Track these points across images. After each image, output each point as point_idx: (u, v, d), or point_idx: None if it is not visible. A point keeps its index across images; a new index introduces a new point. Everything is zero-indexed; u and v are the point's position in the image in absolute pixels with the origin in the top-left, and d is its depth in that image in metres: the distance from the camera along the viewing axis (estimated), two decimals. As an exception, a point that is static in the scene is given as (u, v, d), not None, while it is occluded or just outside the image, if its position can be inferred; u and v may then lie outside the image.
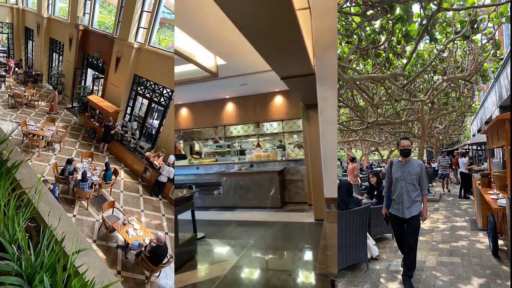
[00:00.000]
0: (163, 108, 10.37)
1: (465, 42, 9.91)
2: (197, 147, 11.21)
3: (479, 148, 21.64)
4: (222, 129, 10.48)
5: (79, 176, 7.55)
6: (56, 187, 7.09)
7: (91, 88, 13.27)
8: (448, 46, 9.30)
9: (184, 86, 7.54)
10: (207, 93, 9.29)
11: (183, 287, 4.17)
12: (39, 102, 12.87)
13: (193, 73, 5.95)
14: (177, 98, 9.73)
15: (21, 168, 3.03)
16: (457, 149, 20.68)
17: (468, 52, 10.24)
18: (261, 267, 4.68)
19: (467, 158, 12.42)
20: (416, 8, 21.65)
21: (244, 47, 4.15)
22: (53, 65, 15.53)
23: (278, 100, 9.54)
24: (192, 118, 10.41)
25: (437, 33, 8.86)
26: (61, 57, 14.91)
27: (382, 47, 8.53)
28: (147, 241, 6.08)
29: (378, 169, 18.86)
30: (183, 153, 10.92)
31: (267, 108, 9.64)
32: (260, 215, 7.77)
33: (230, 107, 9.97)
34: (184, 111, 10.37)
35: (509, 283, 3.98)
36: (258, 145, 9.91)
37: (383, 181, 5.67)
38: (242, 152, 10.37)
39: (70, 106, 13.55)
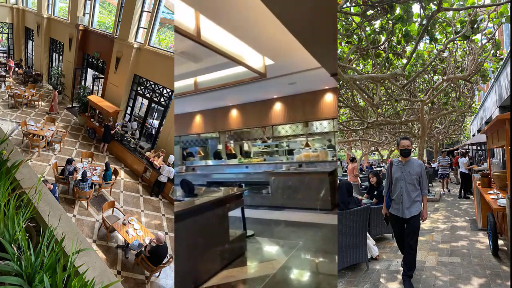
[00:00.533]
0: (163, 108, 10.38)
1: (465, 42, 9.91)
2: (246, 147, 11.27)
3: (479, 148, 21.63)
4: (270, 129, 10.38)
5: (79, 176, 7.55)
6: (56, 187, 7.09)
7: (91, 88, 13.28)
8: (448, 46, 9.30)
9: (234, 88, 7.45)
10: (255, 94, 9.15)
11: (234, 281, 4.20)
12: (39, 102, 12.87)
13: (242, 75, 5.98)
14: (227, 100, 9.69)
15: (21, 168, 3.03)
16: (457, 149, 20.67)
17: (468, 52, 10.25)
18: (311, 270, 4.60)
19: (467, 158, 12.41)
20: (416, 8, 21.65)
21: (292, 45, 4.14)
22: (53, 65, 15.54)
23: (329, 98, 9.02)
24: (241, 119, 10.37)
25: (437, 33, 8.86)
26: (61, 57, 14.92)
27: (382, 47, 8.53)
28: (147, 241, 6.08)
29: (378, 169, 18.86)
30: (234, 152, 11.02)
31: (317, 107, 9.20)
32: (309, 216, 7.47)
33: (278, 106, 9.75)
34: (234, 112, 10.40)
35: (509, 283, 3.98)
36: (307, 145, 9.67)
37: (383, 181, 5.66)
38: (290, 152, 10.22)
39: (70, 106, 13.55)
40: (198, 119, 10.96)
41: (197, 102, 9.46)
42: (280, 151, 10.48)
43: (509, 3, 6.83)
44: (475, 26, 7.62)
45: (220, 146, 11.22)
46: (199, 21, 3.75)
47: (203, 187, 7.82)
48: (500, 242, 5.26)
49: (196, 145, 11.66)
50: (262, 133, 10.48)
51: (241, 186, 9.11)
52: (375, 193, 6.56)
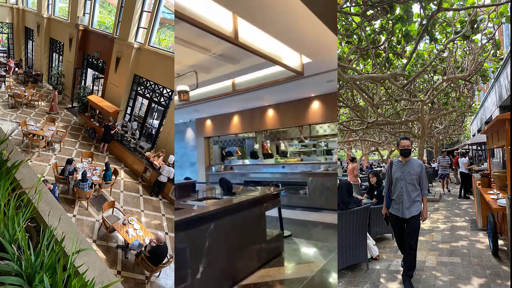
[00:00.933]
0: (163, 108, 10.38)
1: (465, 42, 9.91)
2: (282, 147, 11.16)
3: (479, 148, 21.63)
4: (307, 128, 10.08)
5: (79, 176, 7.55)
6: (56, 187, 7.09)
7: (91, 88, 13.28)
8: (448, 46, 9.30)
9: (271, 88, 7.30)
10: (292, 93, 8.87)
11: (270, 281, 4.16)
12: (39, 102, 12.87)
13: (279, 74, 5.92)
14: (264, 100, 9.57)
15: (21, 168, 3.03)
16: (457, 149, 20.67)
17: (468, 52, 10.25)
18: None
19: (467, 158, 12.40)
20: (416, 8, 21.63)
21: (329, 42, 4.10)
22: (53, 65, 15.55)
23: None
24: (277, 118, 10.18)
25: (437, 33, 8.86)
26: (61, 57, 14.92)
27: (382, 47, 8.52)
28: (147, 241, 6.08)
29: (378, 169, 18.85)
30: (270, 152, 10.96)
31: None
32: None
33: (316, 105, 9.25)
34: (270, 112, 10.26)
35: (509, 283, 3.98)
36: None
37: (383, 181, 5.66)
38: (328, 152, 9.87)
39: (70, 106, 13.56)
40: (235, 119, 10.92)
41: (234, 103, 9.41)
42: (318, 151, 10.14)
43: (509, 3, 6.83)
44: (475, 26, 7.62)
45: (256, 146, 11.17)
46: (237, 23, 3.75)
47: (241, 185, 7.72)
48: (500, 242, 5.26)
49: (234, 145, 11.74)
50: (299, 133, 10.25)
51: (278, 186, 9.01)
52: (375, 193, 6.55)
